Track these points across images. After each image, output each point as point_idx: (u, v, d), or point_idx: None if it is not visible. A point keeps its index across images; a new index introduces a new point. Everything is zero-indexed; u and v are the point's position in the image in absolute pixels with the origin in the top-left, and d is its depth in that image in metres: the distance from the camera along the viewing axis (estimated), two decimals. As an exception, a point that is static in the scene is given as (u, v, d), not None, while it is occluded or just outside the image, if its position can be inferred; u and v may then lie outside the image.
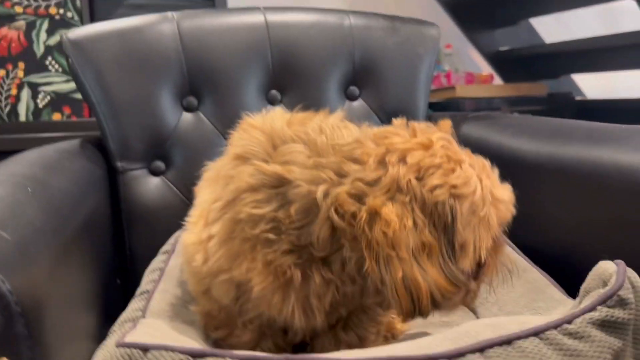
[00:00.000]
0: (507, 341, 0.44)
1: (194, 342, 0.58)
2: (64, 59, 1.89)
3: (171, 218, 1.00)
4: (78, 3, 1.91)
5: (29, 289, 0.46)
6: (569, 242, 0.77)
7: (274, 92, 1.10)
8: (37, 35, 1.88)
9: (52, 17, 1.89)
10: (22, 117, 1.88)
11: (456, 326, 0.49)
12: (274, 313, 0.58)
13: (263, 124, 0.62)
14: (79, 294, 0.70)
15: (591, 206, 0.73)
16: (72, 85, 1.91)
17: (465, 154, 0.55)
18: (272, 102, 1.09)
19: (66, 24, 1.91)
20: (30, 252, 0.49)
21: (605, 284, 0.48)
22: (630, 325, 0.46)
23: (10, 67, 1.86)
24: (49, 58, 1.89)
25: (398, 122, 0.58)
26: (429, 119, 1.18)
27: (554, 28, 2.70)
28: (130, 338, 0.53)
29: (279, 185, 0.55)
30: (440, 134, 0.55)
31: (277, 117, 0.63)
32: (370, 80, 1.12)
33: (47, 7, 1.88)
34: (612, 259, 0.54)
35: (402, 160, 0.52)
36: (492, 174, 0.56)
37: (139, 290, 0.79)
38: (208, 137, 1.05)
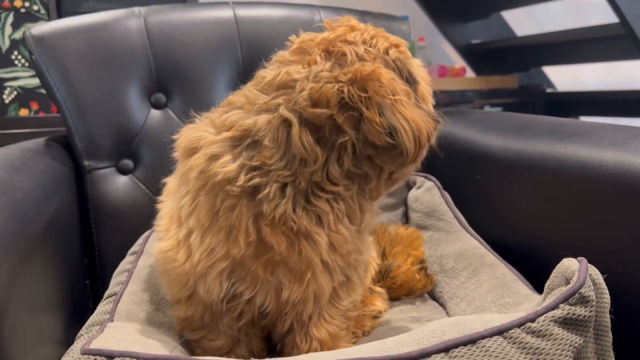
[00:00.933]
0: (472, 341, 0.44)
1: (161, 347, 0.57)
2: (30, 53, 1.85)
3: (140, 217, 0.99)
4: (44, -4, 1.87)
5: None
6: (537, 236, 0.78)
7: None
8: (2, 28, 1.83)
9: (17, 10, 1.84)
10: (-13, 114, 1.84)
11: (426, 322, 0.50)
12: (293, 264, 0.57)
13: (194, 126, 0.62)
14: (44, 297, 0.69)
15: (557, 201, 0.73)
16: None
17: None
18: (243, 98, 1.08)
19: (32, 17, 1.86)
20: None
21: (567, 281, 0.48)
22: (592, 322, 0.47)
23: (-27, 61, 1.81)
24: (15, 52, 1.84)
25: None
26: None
27: (525, 21, 2.73)
28: (95, 344, 0.52)
29: (239, 141, 0.56)
30: (345, 22, 0.61)
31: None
32: (341, 76, 1.12)
33: (12, 0, 1.84)
34: (577, 253, 0.55)
35: (346, 42, 0.57)
36: None
37: (107, 293, 0.78)
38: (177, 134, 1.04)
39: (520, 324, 0.46)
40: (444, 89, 2.52)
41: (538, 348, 0.44)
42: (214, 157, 0.55)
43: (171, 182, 0.67)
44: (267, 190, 0.54)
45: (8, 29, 1.83)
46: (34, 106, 1.89)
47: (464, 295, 0.72)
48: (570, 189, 0.71)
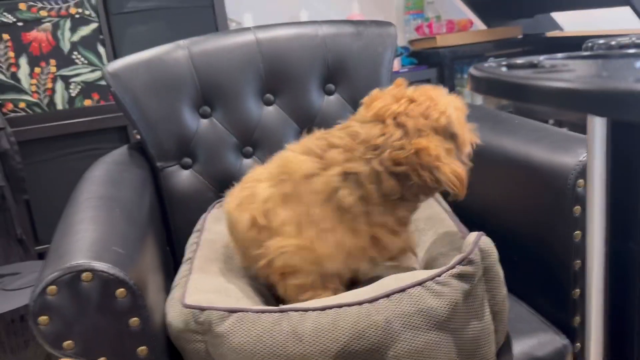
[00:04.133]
0: (402, 289, 0.79)
1: (235, 289, 0.94)
2: (89, 52, 2.20)
3: (200, 200, 1.36)
4: (93, 1, 2.17)
5: (139, 276, 0.81)
6: (481, 207, 1.11)
7: (268, 95, 1.41)
8: (62, 34, 2.16)
9: (72, 16, 2.15)
10: (59, 106, 2.20)
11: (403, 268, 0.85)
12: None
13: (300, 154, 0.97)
14: (157, 263, 1.04)
15: (489, 181, 1.06)
16: (97, 74, 2.21)
17: (428, 88, 0.93)
18: (267, 103, 1.41)
19: (85, 20, 2.18)
20: (133, 256, 0.84)
21: (465, 250, 0.82)
22: (476, 274, 0.80)
23: (43, 64, 2.15)
24: (75, 53, 2.17)
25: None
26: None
27: (528, -30, 2.85)
28: (189, 300, 0.89)
29: (346, 176, 0.90)
30: (405, 89, 0.93)
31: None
32: (342, 78, 1.42)
33: (67, 8, 2.15)
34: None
35: (408, 116, 0.88)
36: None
37: (184, 259, 1.14)
38: (221, 136, 1.38)
39: (432, 278, 0.80)
40: (451, 44, 2.73)
41: (441, 291, 0.79)
42: (336, 190, 0.89)
43: (263, 175, 0.99)
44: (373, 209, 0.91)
45: (67, 33, 2.16)
46: (95, 97, 2.24)
47: (426, 248, 1.07)
48: (498, 172, 1.04)
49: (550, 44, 2.87)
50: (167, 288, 1.03)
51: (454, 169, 0.85)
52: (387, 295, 0.79)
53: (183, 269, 1.07)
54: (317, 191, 0.90)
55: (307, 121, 1.42)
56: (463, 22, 2.86)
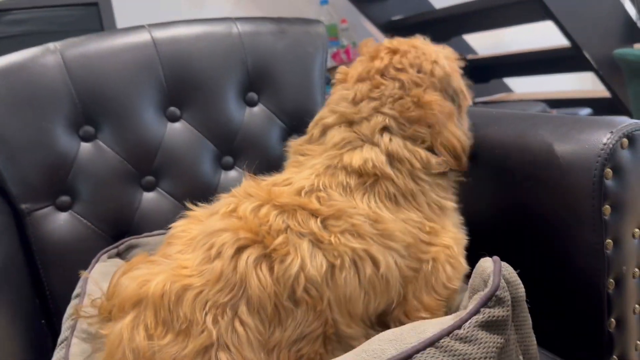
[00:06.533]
0: (408, 357, 0.50)
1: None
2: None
3: (85, 250, 1.00)
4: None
5: None
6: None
7: (172, 109, 1.10)
8: None
9: None
10: None
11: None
12: None
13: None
14: (12, 347, 0.70)
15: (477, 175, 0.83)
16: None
17: (411, 40, 0.80)
18: (172, 119, 1.09)
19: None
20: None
21: (485, 284, 0.54)
22: (509, 319, 0.53)
23: None
24: None
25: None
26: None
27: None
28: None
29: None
30: (383, 44, 0.79)
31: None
32: (267, 85, 1.14)
33: None
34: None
35: (397, 70, 0.74)
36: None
37: (59, 339, 0.79)
38: (111, 164, 1.04)
39: (449, 332, 0.51)
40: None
41: (466, 353, 0.50)
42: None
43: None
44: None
45: None
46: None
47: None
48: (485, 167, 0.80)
49: (469, 66, 2.78)
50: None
51: (458, 136, 0.74)
52: (385, 369, 0.49)
53: (56, 357, 0.74)
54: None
55: (226, 139, 1.11)
56: (381, 47, 2.71)
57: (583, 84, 2.94)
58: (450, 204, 0.75)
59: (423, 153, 0.72)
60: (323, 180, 0.70)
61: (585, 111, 2.23)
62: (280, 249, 0.61)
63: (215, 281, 0.59)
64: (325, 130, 0.77)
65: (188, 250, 0.65)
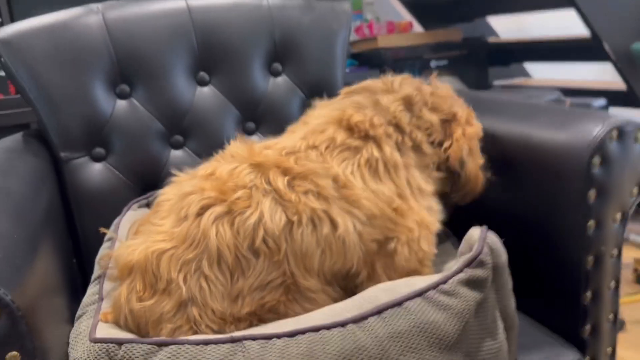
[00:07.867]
0: (398, 303, 0.58)
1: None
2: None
3: (116, 200, 1.09)
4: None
5: (24, 294, 0.56)
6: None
7: (202, 73, 1.18)
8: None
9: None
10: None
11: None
12: None
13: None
14: (55, 279, 0.80)
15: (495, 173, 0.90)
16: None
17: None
18: (201, 83, 1.17)
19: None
20: (19, 266, 0.59)
21: (471, 249, 0.63)
22: (488, 280, 0.61)
23: None
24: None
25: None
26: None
27: (468, -28, 2.81)
28: (101, 332, 0.64)
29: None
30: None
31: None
32: (291, 57, 1.22)
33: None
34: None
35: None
36: None
37: (93, 277, 0.88)
38: (143, 122, 1.13)
39: (435, 286, 0.60)
40: (393, 45, 2.61)
41: (448, 304, 0.59)
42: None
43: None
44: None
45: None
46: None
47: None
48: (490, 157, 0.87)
49: (490, 49, 2.82)
50: (72, 315, 0.79)
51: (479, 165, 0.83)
52: (379, 312, 0.58)
53: (91, 292, 0.83)
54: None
55: (250, 107, 1.19)
56: (403, 24, 2.75)
57: (602, 75, 2.97)
58: (429, 187, 0.78)
59: (434, 119, 0.81)
60: (309, 140, 0.73)
61: (600, 102, 2.26)
62: (240, 202, 0.66)
63: (182, 241, 0.65)
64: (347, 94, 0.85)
65: (168, 216, 0.70)
